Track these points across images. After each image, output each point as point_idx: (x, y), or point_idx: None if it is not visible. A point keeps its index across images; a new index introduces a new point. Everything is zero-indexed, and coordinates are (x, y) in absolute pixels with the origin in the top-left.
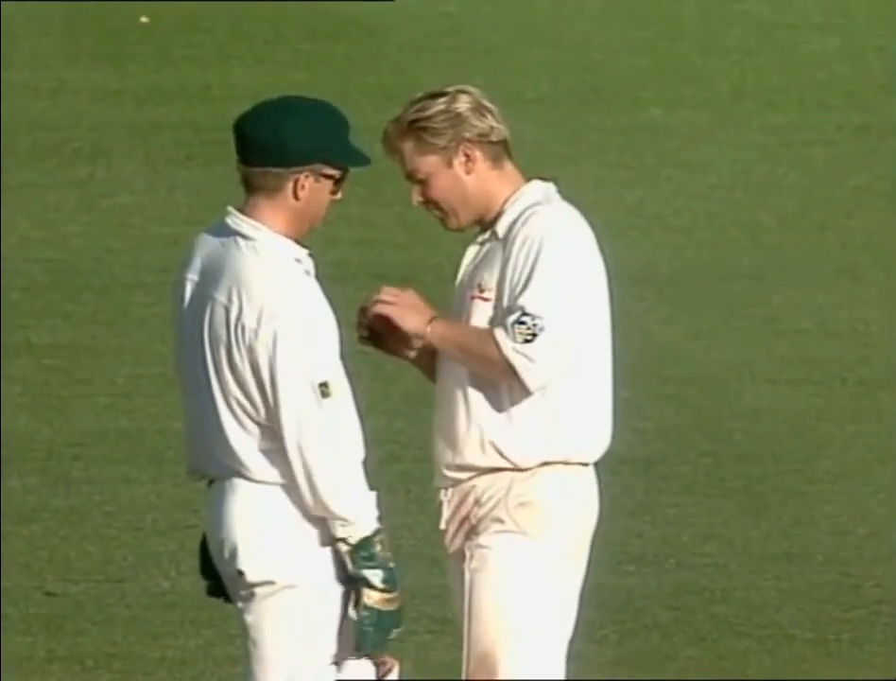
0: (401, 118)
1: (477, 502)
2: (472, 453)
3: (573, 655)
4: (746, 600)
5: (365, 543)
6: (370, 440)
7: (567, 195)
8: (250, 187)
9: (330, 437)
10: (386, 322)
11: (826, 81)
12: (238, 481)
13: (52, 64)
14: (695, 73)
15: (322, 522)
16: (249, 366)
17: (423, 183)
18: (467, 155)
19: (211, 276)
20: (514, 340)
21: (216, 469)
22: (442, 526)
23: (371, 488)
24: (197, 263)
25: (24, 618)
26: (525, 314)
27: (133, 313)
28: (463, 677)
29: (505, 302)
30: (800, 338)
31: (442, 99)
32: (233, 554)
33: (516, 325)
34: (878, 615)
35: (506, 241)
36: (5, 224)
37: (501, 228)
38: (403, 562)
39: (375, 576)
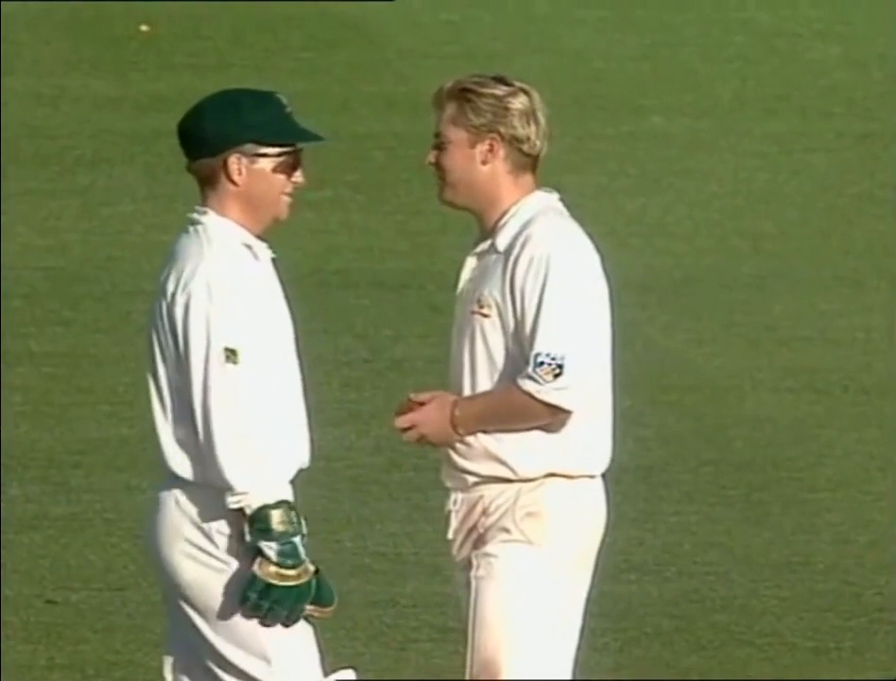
0: (459, 81)
1: (485, 512)
2: (474, 463)
3: (574, 664)
4: (747, 608)
5: (259, 514)
6: (372, 448)
7: (569, 203)
8: (198, 183)
9: (230, 403)
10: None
11: (827, 89)
12: (163, 495)
13: (53, 72)
14: (696, 81)
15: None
16: (170, 333)
17: (442, 149)
18: (491, 147)
19: (162, 266)
20: (544, 382)
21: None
22: (450, 536)
23: (284, 463)
24: (162, 264)
25: (24, 626)
26: (538, 355)
27: (134, 321)
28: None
29: (510, 325)
30: (801, 345)
31: (503, 88)
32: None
33: (538, 368)
34: (879, 623)
35: (507, 256)
36: (5, 232)
37: (501, 242)
38: (403, 570)
39: (269, 549)
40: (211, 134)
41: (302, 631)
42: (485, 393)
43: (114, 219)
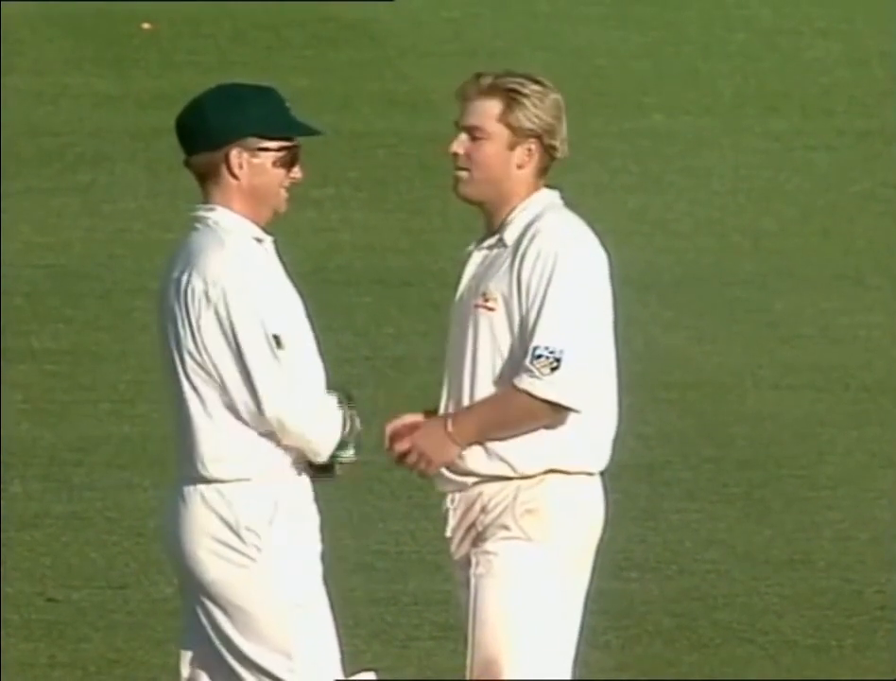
0: (503, 77)
1: (484, 509)
2: (475, 461)
3: (575, 661)
4: (748, 606)
5: (342, 445)
6: (374, 446)
7: (570, 200)
8: (199, 178)
9: (290, 386)
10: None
11: (829, 87)
12: (188, 491)
13: (54, 70)
14: (697, 78)
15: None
16: (199, 331)
17: (476, 141)
18: (530, 151)
19: (172, 263)
20: (541, 376)
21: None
22: (448, 534)
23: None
24: (168, 261)
25: (25, 624)
26: (537, 348)
27: (135, 318)
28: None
29: (515, 319)
30: (802, 343)
31: (538, 88)
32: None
33: (535, 361)
34: (880, 621)
35: (515, 250)
36: (7, 230)
37: (509, 236)
38: (405, 568)
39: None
40: (213, 127)
41: (325, 630)
42: (479, 401)
43: (116, 217)
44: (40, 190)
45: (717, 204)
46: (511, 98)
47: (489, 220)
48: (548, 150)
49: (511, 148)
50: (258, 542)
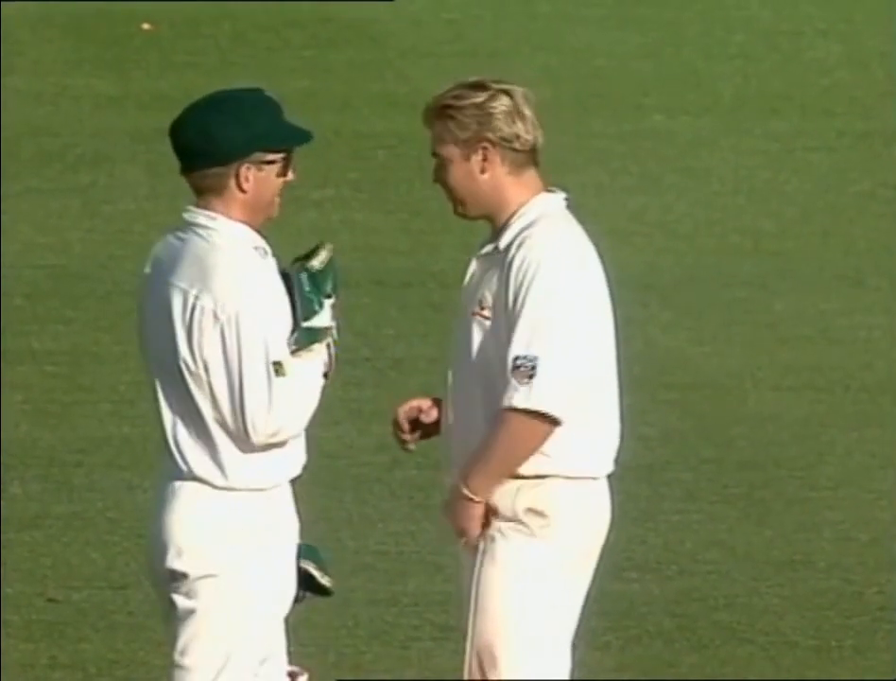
0: (438, 98)
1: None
2: None
3: (575, 663)
4: (748, 606)
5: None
6: (375, 447)
7: (571, 202)
8: (198, 191)
9: (275, 413)
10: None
11: (829, 88)
12: (179, 492)
13: (54, 71)
14: (697, 79)
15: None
16: (201, 346)
17: (441, 167)
18: (485, 155)
19: (171, 267)
20: (519, 384)
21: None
22: None
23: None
24: (156, 259)
25: (26, 624)
26: (517, 358)
27: (136, 320)
28: (465, 669)
29: (503, 328)
30: (802, 344)
31: (481, 94)
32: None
33: (513, 372)
34: (881, 622)
35: (504, 258)
36: (7, 230)
37: (503, 242)
38: (405, 568)
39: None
40: (221, 145)
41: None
42: (479, 448)
43: (116, 218)
44: (40, 191)
45: (717, 205)
46: (446, 116)
47: (492, 227)
48: (505, 146)
49: (467, 159)
50: (240, 547)
